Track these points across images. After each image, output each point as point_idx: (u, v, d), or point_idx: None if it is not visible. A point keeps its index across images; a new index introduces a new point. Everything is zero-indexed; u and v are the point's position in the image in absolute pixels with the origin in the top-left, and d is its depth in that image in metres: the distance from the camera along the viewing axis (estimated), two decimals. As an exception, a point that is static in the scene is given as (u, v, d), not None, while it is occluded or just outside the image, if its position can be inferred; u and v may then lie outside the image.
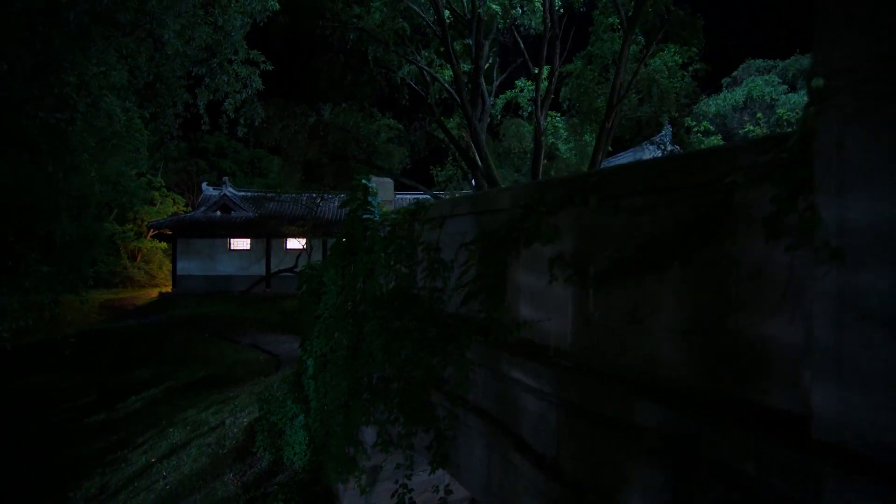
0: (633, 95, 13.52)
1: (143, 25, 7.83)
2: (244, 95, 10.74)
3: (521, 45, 12.13)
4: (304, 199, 22.84)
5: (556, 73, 11.57)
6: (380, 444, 3.82)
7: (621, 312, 1.79)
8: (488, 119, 14.75)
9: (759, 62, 36.11)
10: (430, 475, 3.05)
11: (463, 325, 2.65)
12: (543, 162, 17.41)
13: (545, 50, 11.04)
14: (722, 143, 20.84)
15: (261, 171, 37.91)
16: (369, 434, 4.52)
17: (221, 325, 15.96)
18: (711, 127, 20.59)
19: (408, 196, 27.20)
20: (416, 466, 3.45)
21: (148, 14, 7.54)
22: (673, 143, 32.43)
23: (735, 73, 34.24)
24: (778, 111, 21.25)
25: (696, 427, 1.42)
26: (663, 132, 33.42)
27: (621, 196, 1.80)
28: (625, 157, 31.20)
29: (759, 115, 24.68)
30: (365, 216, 4.05)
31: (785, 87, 30.72)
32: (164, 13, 7.45)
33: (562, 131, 13.66)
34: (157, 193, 28.91)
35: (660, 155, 18.85)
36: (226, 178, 26.81)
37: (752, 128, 23.23)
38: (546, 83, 11.78)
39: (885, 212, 1.08)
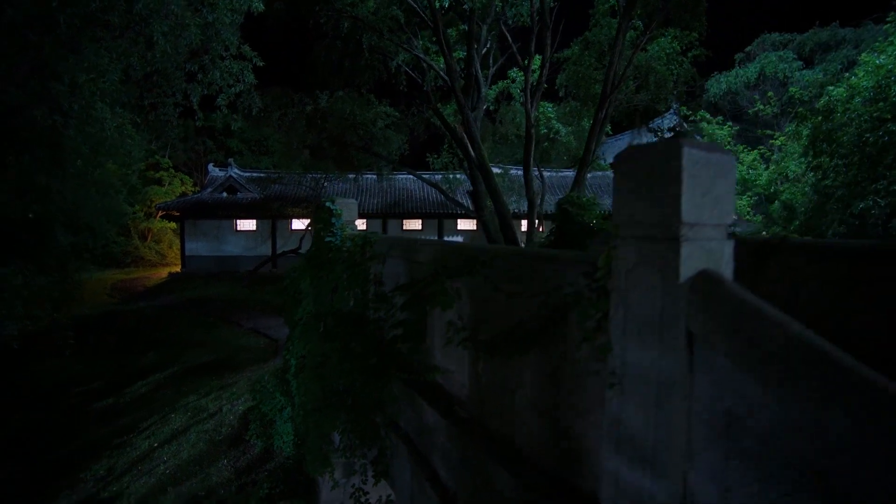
0: (631, 82, 13.39)
1: (133, 27, 8.00)
2: (238, 89, 10.90)
3: (509, 40, 11.99)
4: (308, 180, 23.05)
5: (547, 66, 11.49)
6: (341, 449, 4.18)
7: (500, 380, 2.06)
8: (485, 105, 14.74)
9: (776, 36, 34.72)
10: (373, 486, 3.40)
11: (392, 359, 2.93)
12: (545, 144, 17.45)
13: (533, 44, 10.95)
14: (728, 126, 20.30)
15: (268, 150, 38.06)
16: (336, 437, 4.91)
17: (226, 307, 16.50)
18: (708, 115, 20.24)
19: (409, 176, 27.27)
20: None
21: (135, 16, 7.70)
22: (680, 125, 31.93)
23: (749, 49, 33.06)
24: (791, 89, 20.64)
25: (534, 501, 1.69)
26: (671, 111, 32.86)
27: (500, 279, 2.04)
28: (622, 140, 30.73)
29: (770, 93, 23.92)
30: (327, 238, 4.32)
31: (800, 63, 29.69)
32: (151, 16, 7.60)
33: (554, 122, 13.61)
34: (164, 174, 29.38)
35: (654, 140, 18.67)
36: (231, 160, 27.05)
37: (761, 107, 22.63)
38: (537, 74, 11.73)
39: (648, 359, 1.31)
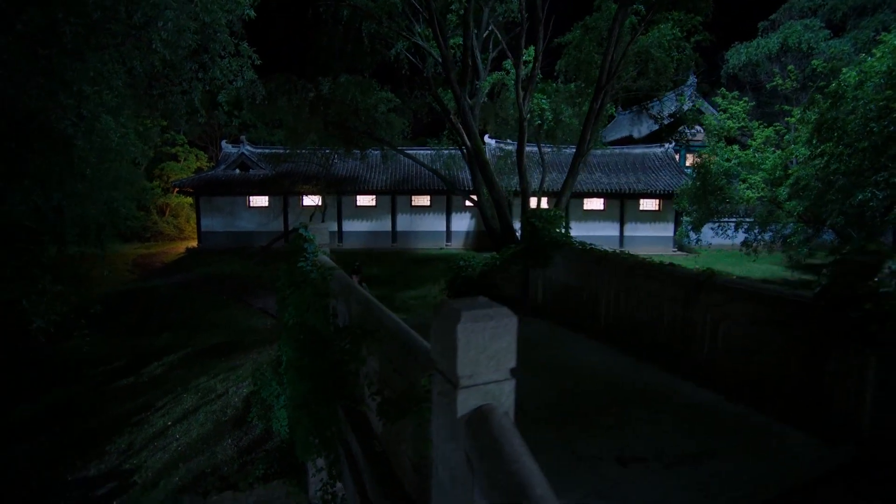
0: (631, 69, 13.29)
1: (133, 34, 8.39)
2: (239, 83, 11.24)
3: (499, 36, 11.97)
4: (317, 157, 23.36)
5: (539, 59, 11.51)
6: (315, 445, 4.82)
7: (396, 430, 2.57)
8: (484, 94, 14.80)
9: (804, 1, 32.92)
10: (333, 487, 4.03)
11: (340, 386, 3.48)
12: (550, 124, 17.43)
13: (523, 39, 10.96)
14: (744, 101, 19.68)
15: (281, 123, 38.31)
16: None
17: (238, 285, 17.34)
18: (706, 102, 19.81)
19: (419, 151, 27.44)
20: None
21: (135, 25, 8.07)
22: (698, 96, 31.01)
23: (774, 16, 31.55)
24: (814, 62, 19.92)
25: None
26: (689, 82, 31.88)
27: (391, 353, 2.52)
28: (623, 120, 30.14)
29: (790, 66, 22.88)
30: (300, 263, 4.82)
31: (827, 32, 28.30)
32: (149, 24, 7.97)
33: (548, 113, 13.66)
34: (180, 149, 30.08)
35: (654, 125, 18.42)
36: (243, 137, 27.52)
37: (779, 81, 21.89)
38: (531, 66, 11.76)
39: (451, 455, 1.80)
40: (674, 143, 26.30)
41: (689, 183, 19.18)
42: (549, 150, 19.45)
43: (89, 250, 8.78)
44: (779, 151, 17.29)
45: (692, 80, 30.13)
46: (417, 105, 16.96)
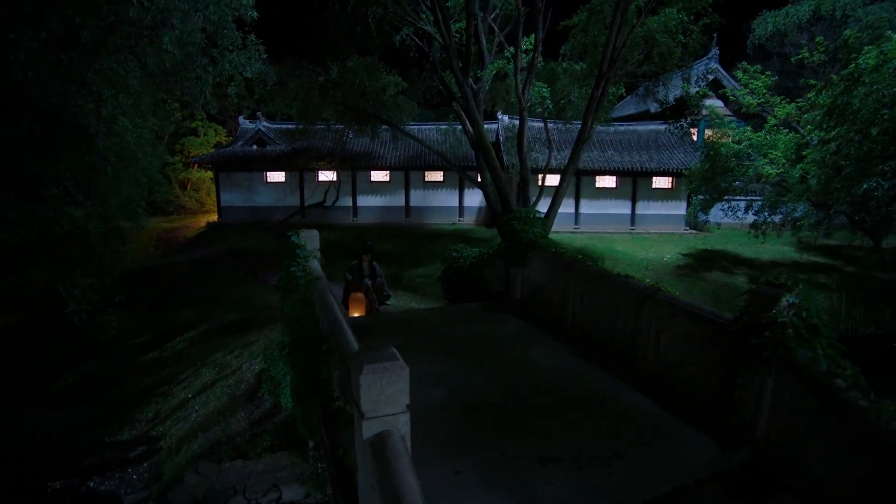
0: (637, 54, 13.17)
1: (145, 35, 8.87)
2: (249, 74, 11.67)
3: (496, 31, 12.00)
4: (331, 133, 23.62)
5: (539, 48, 11.58)
6: (304, 429, 5.53)
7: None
8: (492, 74, 14.85)
9: (844, -37, 30.86)
10: (319, 465, 4.72)
11: (320, 385, 4.10)
12: (562, 102, 17.40)
13: (520, 32, 11.03)
14: (766, 76, 19.07)
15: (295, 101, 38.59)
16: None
17: (254, 262, 18.21)
18: (728, 76, 19.08)
19: (429, 126, 27.57)
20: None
21: (146, 27, 8.55)
22: (719, 69, 29.97)
23: (808, -19, 29.85)
24: (846, 32, 19.10)
25: None
26: (710, 53, 30.82)
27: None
28: (628, 102, 29.35)
29: (819, 38, 21.83)
30: (292, 268, 5.40)
31: (865, -4, 26.76)
32: (159, 27, 8.44)
33: (548, 101, 13.74)
34: (199, 124, 30.78)
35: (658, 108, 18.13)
36: (259, 113, 27.98)
37: (806, 54, 21.06)
38: (531, 55, 11.80)
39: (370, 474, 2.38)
40: (689, 120, 25.74)
41: (697, 165, 19.05)
42: (560, 126, 19.36)
43: (125, 223, 9.40)
44: (791, 134, 17.00)
45: (714, 51, 29.14)
46: (427, 87, 17.12)
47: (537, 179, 15.49)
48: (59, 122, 8.54)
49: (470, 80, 13.45)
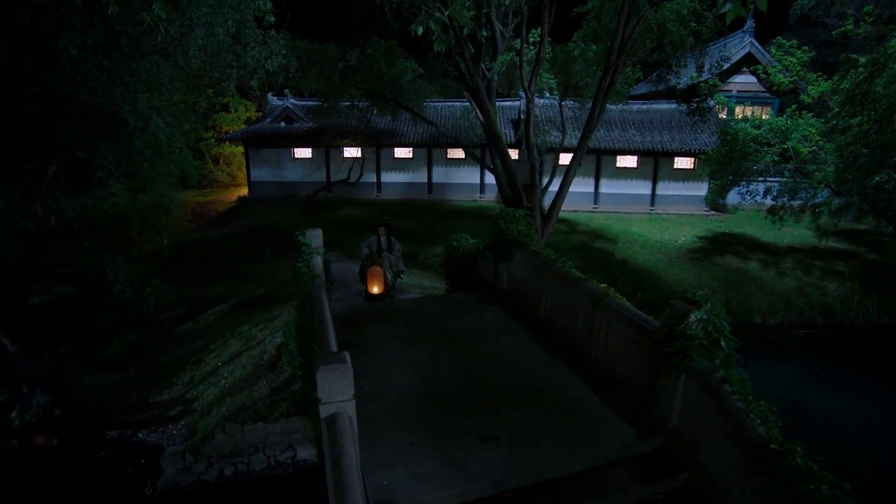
0: (649, 41, 13.18)
1: (174, 42, 9.68)
2: (270, 67, 12.40)
3: (500, 29, 12.21)
4: (356, 112, 24.21)
5: (545, 40, 11.80)
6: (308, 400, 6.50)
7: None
8: (505, 62, 15.09)
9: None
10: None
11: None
12: (580, 84, 17.50)
13: (524, 27, 11.28)
14: (803, 51, 18.35)
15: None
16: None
17: (281, 238, 19.34)
18: (762, 50, 18.37)
19: (451, 103, 27.78)
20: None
21: (173, 37, 9.35)
22: (753, 42, 28.81)
23: (859, -57, 27.99)
24: None
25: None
26: (745, 27, 29.63)
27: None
28: (652, 79, 28.47)
29: (867, 7, 20.67)
30: (299, 264, 6.25)
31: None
32: (187, 35, 9.21)
33: (556, 92, 13.96)
34: (230, 100, 31.87)
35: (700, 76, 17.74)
36: (287, 91, 28.74)
37: (850, 26, 20.11)
38: (538, 48, 12.03)
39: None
40: (697, 106, 25.01)
41: (712, 149, 18.88)
42: (578, 104, 19.37)
43: (170, 197, 10.37)
44: (814, 119, 16.66)
45: (749, 24, 27.95)
46: (444, 70, 17.45)
47: (556, 158, 15.85)
48: (103, 120, 9.57)
49: (482, 67, 13.82)
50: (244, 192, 28.55)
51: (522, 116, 25.26)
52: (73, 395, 10.40)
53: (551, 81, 14.16)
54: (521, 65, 11.84)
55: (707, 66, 16.07)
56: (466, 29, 12.87)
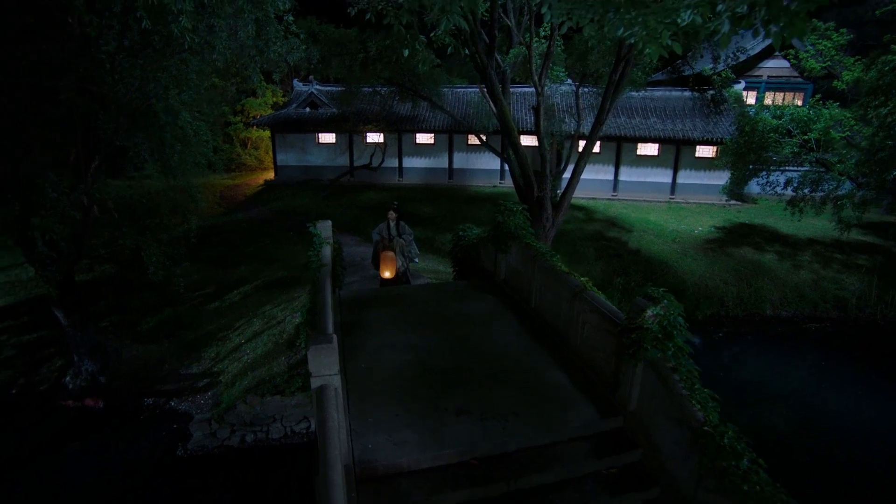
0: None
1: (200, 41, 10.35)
2: (292, 60, 12.99)
3: (511, 23, 12.39)
4: (378, 99, 24.60)
5: (555, 35, 11.96)
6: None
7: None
8: (515, 56, 15.27)
9: None
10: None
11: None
12: (598, 72, 17.51)
13: (532, 24, 11.47)
14: (840, 33, 17.76)
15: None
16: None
17: (305, 221, 20.06)
18: (732, 74, 17.88)
19: (472, 89, 27.92)
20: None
21: (201, 36, 10.01)
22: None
23: None
24: None
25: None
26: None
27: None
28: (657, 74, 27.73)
29: None
30: (309, 252, 6.89)
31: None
32: (213, 36, 9.85)
33: (566, 86, 14.08)
34: (258, 85, 32.73)
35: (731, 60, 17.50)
36: (311, 77, 29.36)
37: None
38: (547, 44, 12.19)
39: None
40: (710, 96, 24.39)
41: (729, 139, 18.65)
42: (596, 91, 19.34)
43: (195, 187, 11.22)
44: (836, 111, 16.30)
45: (785, 3, 26.92)
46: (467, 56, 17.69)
47: (573, 145, 16.09)
48: (138, 114, 10.38)
49: (497, 59, 14.06)
50: (271, 175, 29.49)
51: (550, 100, 25.32)
52: (114, 364, 11.48)
53: (562, 75, 14.30)
54: (531, 58, 12.08)
55: (723, 57, 15.87)
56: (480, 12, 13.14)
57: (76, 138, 9.82)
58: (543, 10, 4.02)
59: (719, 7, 3.00)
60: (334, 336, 3.89)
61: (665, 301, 4.52)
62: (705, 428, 3.83)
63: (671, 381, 4.28)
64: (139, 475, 8.86)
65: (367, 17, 7.38)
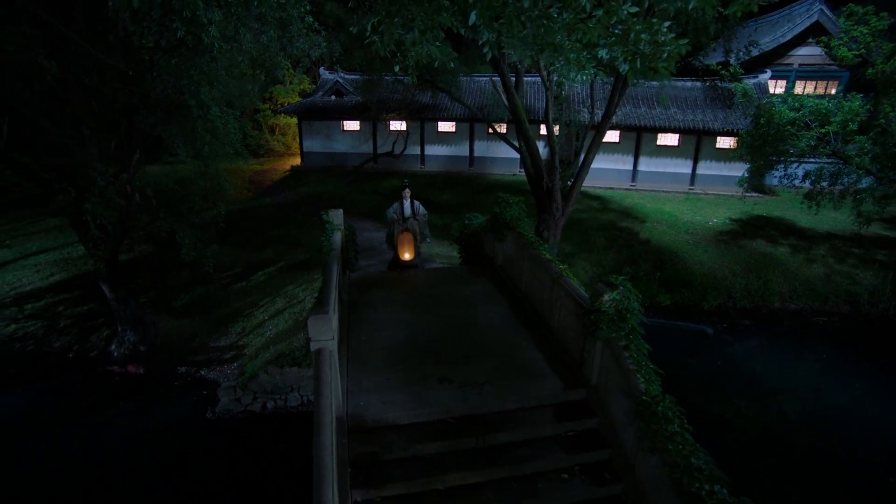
0: (675, 26, 13.30)
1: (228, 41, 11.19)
2: (316, 54, 13.75)
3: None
4: (400, 88, 25.11)
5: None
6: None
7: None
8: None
9: None
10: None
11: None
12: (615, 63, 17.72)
13: None
14: (880, 17, 17.38)
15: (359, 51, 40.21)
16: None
17: (328, 207, 21.14)
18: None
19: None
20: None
21: (227, 38, 10.85)
22: (823, 9, 27.14)
23: None
24: None
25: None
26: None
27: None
28: (717, 45, 27.12)
29: None
30: (322, 238, 7.69)
31: None
32: (239, 40, 10.68)
33: (575, 84, 14.36)
34: (286, 73, 33.71)
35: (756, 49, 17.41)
36: (337, 66, 30.10)
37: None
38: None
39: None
40: (770, 73, 24.09)
41: (745, 132, 18.56)
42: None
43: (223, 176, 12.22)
44: (856, 103, 16.08)
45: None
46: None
47: (586, 135, 16.45)
48: (174, 108, 11.36)
49: (505, 64, 14.50)
50: (297, 161, 30.58)
51: (562, 92, 25.46)
52: (152, 336, 12.70)
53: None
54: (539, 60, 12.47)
55: (735, 51, 15.84)
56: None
57: (120, 132, 10.87)
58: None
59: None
60: (331, 308, 4.66)
61: (622, 288, 5.12)
62: (644, 398, 4.46)
63: (622, 357, 4.91)
64: (174, 433, 10.01)
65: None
